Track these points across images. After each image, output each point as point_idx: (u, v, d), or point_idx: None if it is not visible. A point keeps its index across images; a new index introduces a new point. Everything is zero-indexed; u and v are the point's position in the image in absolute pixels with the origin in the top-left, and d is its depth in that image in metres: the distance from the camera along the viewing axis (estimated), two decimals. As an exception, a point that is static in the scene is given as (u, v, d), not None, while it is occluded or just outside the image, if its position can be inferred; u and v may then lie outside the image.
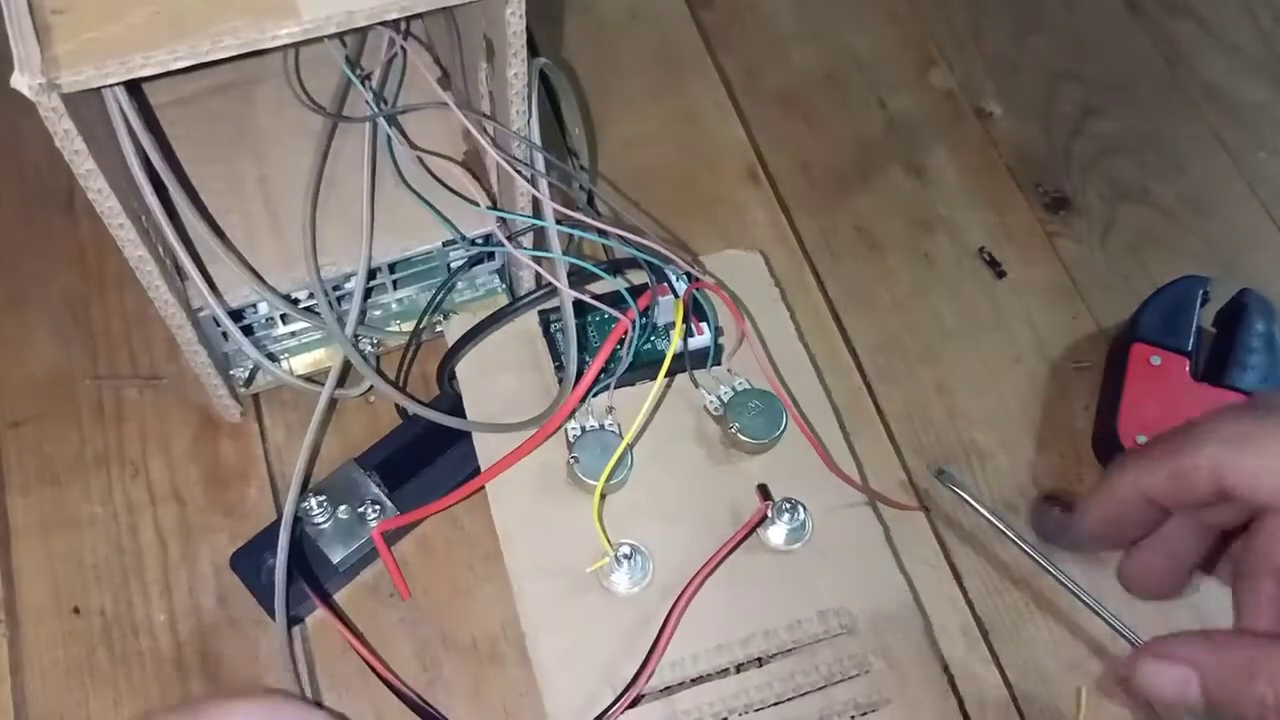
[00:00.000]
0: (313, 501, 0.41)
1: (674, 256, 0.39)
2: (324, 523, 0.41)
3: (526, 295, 0.41)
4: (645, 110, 0.57)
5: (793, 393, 0.41)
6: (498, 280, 0.48)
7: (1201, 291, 0.48)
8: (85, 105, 0.33)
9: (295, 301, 0.43)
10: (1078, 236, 0.54)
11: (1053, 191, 0.56)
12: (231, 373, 0.46)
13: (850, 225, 0.54)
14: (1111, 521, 0.34)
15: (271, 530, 0.42)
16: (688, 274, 0.40)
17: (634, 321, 0.38)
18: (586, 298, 0.39)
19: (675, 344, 0.39)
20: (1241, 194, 0.56)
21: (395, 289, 0.46)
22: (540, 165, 0.40)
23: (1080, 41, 0.61)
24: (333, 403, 0.45)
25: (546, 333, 0.42)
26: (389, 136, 0.44)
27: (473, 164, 0.45)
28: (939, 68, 0.60)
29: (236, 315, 0.42)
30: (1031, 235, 0.54)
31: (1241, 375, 0.46)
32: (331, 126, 0.44)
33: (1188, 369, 0.46)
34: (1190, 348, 0.47)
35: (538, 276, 0.46)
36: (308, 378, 0.46)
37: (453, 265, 0.46)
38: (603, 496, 0.38)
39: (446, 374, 0.42)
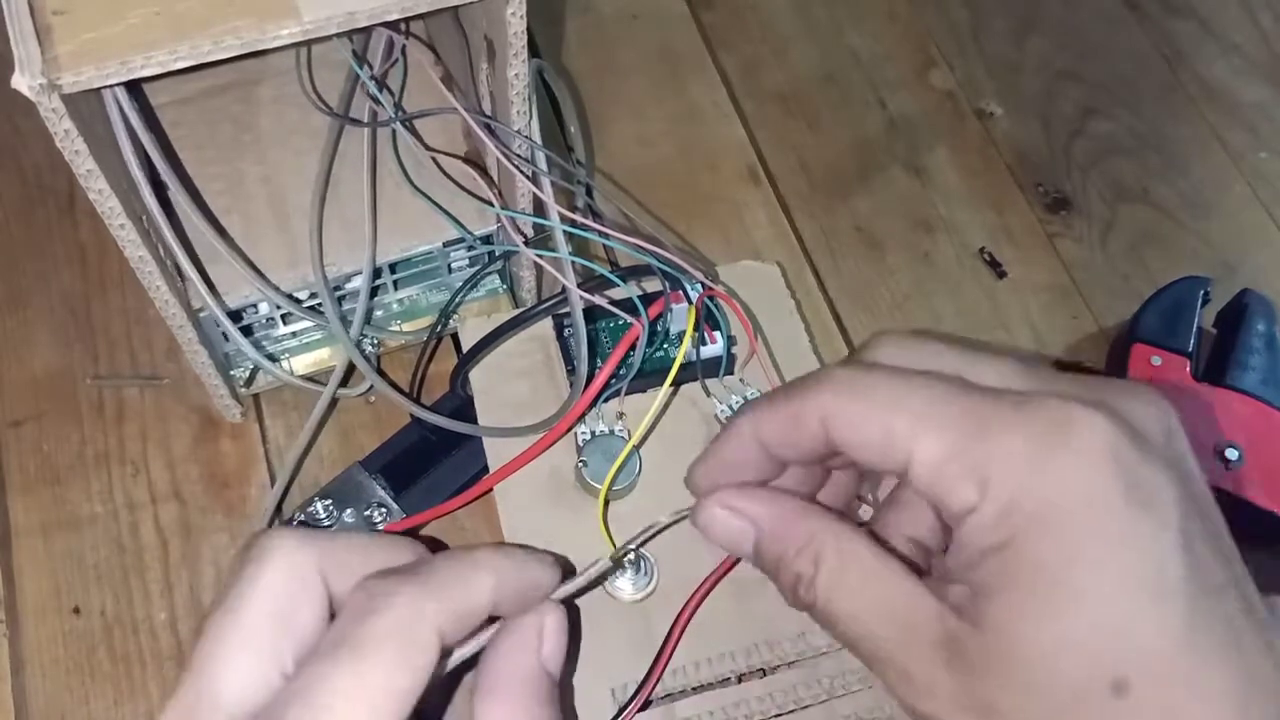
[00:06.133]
0: (319, 505, 0.41)
1: (686, 265, 0.39)
2: (330, 527, 0.41)
3: (545, 300, 0.41)
4: (645, 110, 0.57)
5: None
6: (498, 280, 0.48)
7: (1202, 292, 0.48)
8: (86, 105, 0.33)
9: (299, 301, 0.43)
10: (1078, 236, 0.54)
11: (1053, 191, 0.56)
12: (232, 373, 0.46)
13: (850, 225, 0.54)
14: (726, 469, 0.31)
15: (275, 532, 0.42)
16: (700, 282, 0.40)
17: (644, 328, 0.38)
18: (599, 301, 0.39)
19: (683, 352, 0.38)
20: (1241, 194, 0.56)
21: (396, 289, 0.46)
22: (543, 167, 0.40)
23: (1080, 41, 0.61)
24: (333, 402, 0.45)
25: (560, 337, 0.42)
26: (393, 135, 0.44)
27: (474, 164, 0.45)
28: (939, 68, 0.60)
29: (236, 316, 0.42)
30: (1032, 235, 0.54)
31: (1242, 376, 0.46)
32: (338, 128, 0.44)
33: (1188, 369, 0.46)
34: (1191, 348, 0.47)
35: (540, 278, 0.47)
36: (309, 378, 0.46)
37: (453, 266, 0.46)
38: (608, 501, 0.38)
39: (461, 377, 0.42)
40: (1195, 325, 0.47)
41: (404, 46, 0.45)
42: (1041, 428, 0.25)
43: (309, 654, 0.26)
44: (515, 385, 0.42)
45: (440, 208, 0.43)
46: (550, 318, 0.42)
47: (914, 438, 0.26)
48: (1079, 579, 0.24)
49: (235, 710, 0.25)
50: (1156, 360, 0.47)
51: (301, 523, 0.41)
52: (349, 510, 0.42)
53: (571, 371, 0.41)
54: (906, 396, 0.27)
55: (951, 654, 0.25)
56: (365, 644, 0.25)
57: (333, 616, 0.28)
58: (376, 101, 0.43)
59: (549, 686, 0.29)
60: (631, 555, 0.37)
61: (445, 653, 0.27)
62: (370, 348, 0.47)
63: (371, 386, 0.44)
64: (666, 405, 0.41)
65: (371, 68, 0.44)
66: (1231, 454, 0.44)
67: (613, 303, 0.39)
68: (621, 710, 0.35)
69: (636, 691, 0.35)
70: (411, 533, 0.43)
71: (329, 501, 0.42)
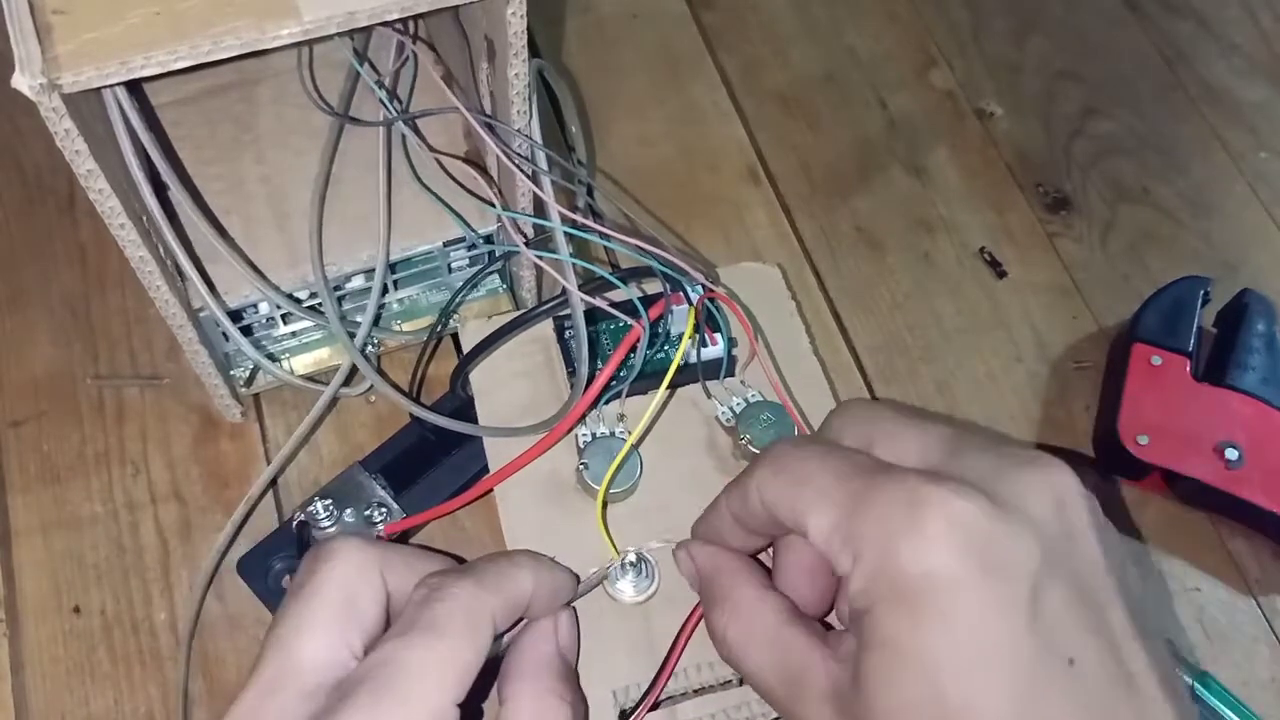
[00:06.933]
0: (319, 505, 0.41)
1: (687, 267, 0.39)
2: (330, 526, 0.41)
3: (546, 302, 0.41)
4: (646, 110, 0.57)
5: (805, 409, 0.41)
6: (498, 280, 0.48)
7: (1202, 292, 0.48)
8: (86, 105, 0.33)
9: (299, 301, 0.43)
10: (1078, 236, 0.54)
11: (1053, 191, 0.56)
12: (232, 373, 0.46)
13: (850, 225, 0.54)
14: (711, 535, 0.35)
15: (278, 535, 0.42)
16: (701, 284, 0.39)
17: (644, 330, 0.38)
18: (599, 303, 0.39)
19: (680, 353, 0.38)
20: (1242, 194, 0.56)
21: (396, 289, 0.46)
22: (544, 166, 0.40)
23: (1080, 41, 0.61)
24: (333, 401, 0.45)
25: (560, 338, 0.42)
26: (395, 135, 0.44)
27: (474, 164, 0.45)
28: (939, 68, 0.60)
29: (236, 315, 0.42)
30: (1032, 235, 0.54)
31: (1242, 376, 0.46)
32: (339, 127, 0.44)
33: (1188, 369, 0.46)
34: (1191, 348, 0.47)
35: (540, 278, 0.47)
36: (309, 377, 0.46)
37: (454, 265, 0.46)
38: (606, 504, 0.38)
39: (461, 378, 0.42)
40: (1195, 325, 0.47)
41: (412, 50, 0.45)
42: (897, 505, 0.27)
43: (373, 637, 0.30)
44: (516, 386, 0.41)
45: (447, 205, 0.43)
46: (551, 319, 0.42)
47: (810, 511, 0.29)
48: (919, 649, 0.26)
49: (312, 681, 0.29)
50: (1156, 360, 0.47)
51: (302, 523, 0.41)
52: (349, 510, 0.42)
53: (572, 373, 0.41)
54: (814, 474, 0.29)
55: (838, 706, 0.28)
56: (435, 624, 0.29)
57: (388, 614, 0.31)
58: (385, 104, 0.43)
59: (566, 669, 0.33)
60: (632, 557, 0.37)
61: (497, 638, 0.31)
62: (370, 347, 0.47)
63: (371, 386, 0.45)
64: (664, 407, 0.41)
65: (375, 67, 0.44)
66: (1231, 454, 0.44)
67: (614, 305, 0.39)
68: (622, 714, 0.35)
69: (643, 697, 0.35)
70: (411, 532, 0.43)
71: (329, 501, 0.42)
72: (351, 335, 0.42)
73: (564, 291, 0.39)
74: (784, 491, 0.30)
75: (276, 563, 0.41)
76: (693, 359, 0.40)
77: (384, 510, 0.42)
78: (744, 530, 0.33)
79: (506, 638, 0.33)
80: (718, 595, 0.33)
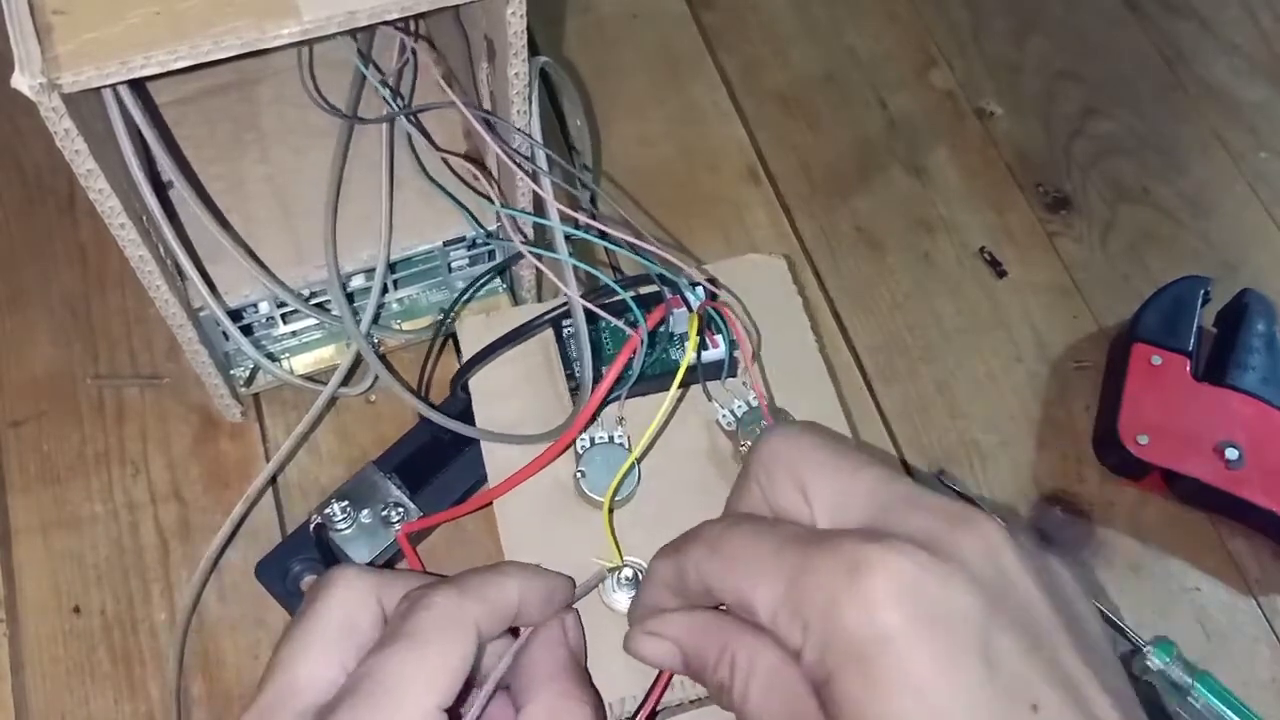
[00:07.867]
0: (336, 507, 0.41)
1: (690, 274, 0.39)
2: (347, 528, 0.41)
3: (548, 311, 0.40)
4: (646, 110, 0.57)
5: (807, 409, 0.40)
6: (498, 280, 0.48)
7: (1202, 292, 0.48)
8: (86, 105, 0.33)
9: (307, 298, 0.43)
10: (1078, 236, 0.54)
11: (1053, 191, 0.56)
12: (232, 372, 0.46)
13: (850, 225, 0.54)
14: (653, 609, 0.33)
15: (296, 537, 0.42)
16: (703, 288, 0.39)
17: (643, 339, 0.37)
18: (600, 312, 0.38)
19: (685, 365, 0.38)
20: (1242, 194, 0.56)
21: (396, 289, 0.46)
22: (543, 165, 0.40)
23: (1080, 41, 0.61)
24: (332, 401, 0.45)
25: (559, 337, 0.42)
26: (406, 135, 0.44)
27: (475, 163, 0.45)
28: (939, 68, 0.60)
29: (236, 315, 0.42)
30: (1032, 235, 0.54)
31: (1242, 375, 0.46)
32: (349, 129, 0.44)
33: (1188, 369, 0.46)
34: (1191, 348, 0.47)
35: (540, 278, 0.47)
36: (308, 377, 0.46)
37: (453, 265, 0.46)
38: (611, 510, 0.38)
39: (461, 383, 0.42)
40: (1195, 325, 0.48)
41: (413, 49, 0.45)
42: (839, 570, 0.26)
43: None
44: (514, 389, 0.41)
45: (457, 200, 0.43)
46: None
47: (754, 588, 0.28)
48: (884, 713, 0.25)
49: (308, 700, 0.29)
50: (1156, 360, 0.47)
51: (319, 525, 0.41)
52: (365, 511, 0.41)
53: (571, 376, 0.41)
54: (750, 551, 0.29)
55: None
56: (418, 632, 0.30)
57: None
58: (388, 101, 0.43)
59: (581, 670, 0.34)
60: (629, 572, 0.37)
61: (482, 647, 0.31)
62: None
63: (371, 385, 0.45)
64: (668, 419, 0.40)
65: (379, 67, 0.44)
66: (1231, 454, 0.44)
67: (614, 310, 0.39)
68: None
69: (636, 712, 0.35)
70: (427, 533, 0.43)
71: (346, 503, 0.41)
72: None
73: (562, 294, 0.39)
74: (723, 572, 0.30)
75: (295, 565, 0.41)
76: (694, 361, 0.40)
77: (400, 510, 0.41)
78: (689, 603, 0.32)
79: (514, 648, 0.33)
80: (714, 651, 0.31)
